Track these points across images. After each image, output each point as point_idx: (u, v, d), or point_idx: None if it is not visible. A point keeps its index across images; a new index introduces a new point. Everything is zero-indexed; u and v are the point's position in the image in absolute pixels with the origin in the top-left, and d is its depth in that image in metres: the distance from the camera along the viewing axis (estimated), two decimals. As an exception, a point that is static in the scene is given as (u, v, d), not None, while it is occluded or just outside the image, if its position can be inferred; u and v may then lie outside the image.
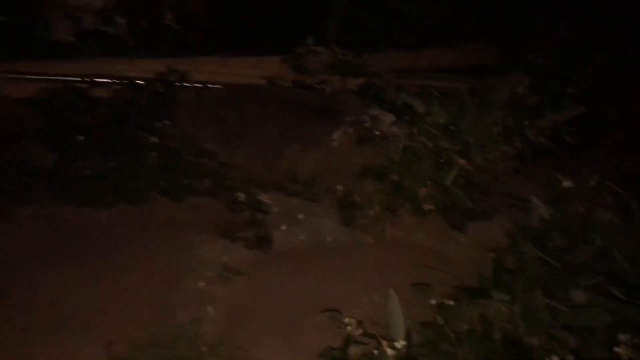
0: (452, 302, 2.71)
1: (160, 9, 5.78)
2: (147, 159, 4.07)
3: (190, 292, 3.04)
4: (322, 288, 3.10)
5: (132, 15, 5.68)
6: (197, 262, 3.22)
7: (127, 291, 3.02)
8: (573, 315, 2.59)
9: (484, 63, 5.74)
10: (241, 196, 3.78)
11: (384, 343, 2.45)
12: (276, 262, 3.38)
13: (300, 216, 3.65)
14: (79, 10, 5.54)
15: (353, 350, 2.52)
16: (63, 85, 4.57)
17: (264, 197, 3.76)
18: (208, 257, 3.26)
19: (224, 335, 2.78)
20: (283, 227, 3.61)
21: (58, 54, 5.14)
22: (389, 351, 2.42)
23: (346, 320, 2.59)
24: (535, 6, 5.89)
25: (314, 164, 4.13)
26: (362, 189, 3.72)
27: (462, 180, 3.68)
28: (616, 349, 2.42)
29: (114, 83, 4.68)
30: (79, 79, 4.67)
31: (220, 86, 5.09)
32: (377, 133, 3.94)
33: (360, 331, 2.56)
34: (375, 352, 2.47)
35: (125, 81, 4.71)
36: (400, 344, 2.44)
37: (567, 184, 3.61)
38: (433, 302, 2.77)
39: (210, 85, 5.08)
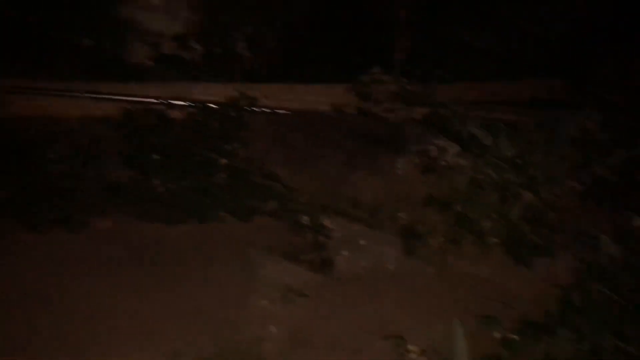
0: (516, 337, 2.68)
1: (233, 36, 6.05)
2: (217, 179, 4.22)
3: (254, 310, 3.11)
4: (383, 314, 3.12)
5: (206, 41, 5.96)
6: (261, 281, 3.30)
7: (194, 305, 3.12)
8: (643, 358, 2.53)
9: (550, 97, 5.69)
10: (305, 219, 3.84)
11: (448, 373, 2.45)
12: (338, 286, 3.42)
13: (362, 242, 3.68)
14: (157, 36, 5.86)
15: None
16: (141, 107, 4.81)
17: (327, 222, 3.80)
18: (272, 277, 3.32)
19: (286, 355, 2.83)
20: (345, 253, 3.63)
21: (137, 76, 5.45)
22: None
23: (410, 347, 2.61)
24: (605, 41, 5.80)
25: (378, 191, 4.16)
26: (425, 219, 3.72)
27: (528, 215, 3.65)
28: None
29: (188, 106, 4.87)
30: (156, 101, 4.90)
31: (287, 112, 5.25)
32: (443, 163, 3.96)
33: (424, 359, 2.56)
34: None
35: (199, 104, 4.89)
36: (464, 374, 2.43)
37: (637, 222, 3.52)
38: (497, 335, 2.75)
39: (278, 111, 5.25)
